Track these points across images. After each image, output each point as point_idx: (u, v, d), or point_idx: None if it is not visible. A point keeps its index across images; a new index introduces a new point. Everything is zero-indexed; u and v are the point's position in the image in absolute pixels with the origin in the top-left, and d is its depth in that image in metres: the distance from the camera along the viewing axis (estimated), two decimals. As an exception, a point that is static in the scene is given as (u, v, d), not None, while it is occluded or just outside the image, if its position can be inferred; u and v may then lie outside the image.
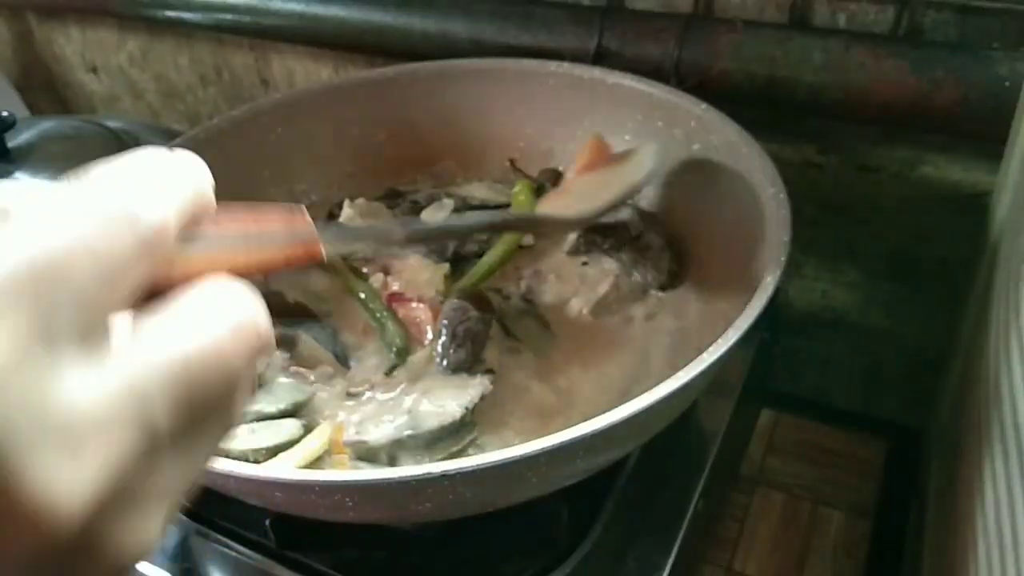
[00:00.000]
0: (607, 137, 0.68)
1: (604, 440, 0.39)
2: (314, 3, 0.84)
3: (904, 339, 0.78)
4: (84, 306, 0.16)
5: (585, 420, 0.38)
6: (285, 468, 0.48)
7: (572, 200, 0.60)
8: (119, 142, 0.83)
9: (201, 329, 0.18)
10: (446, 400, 0.51)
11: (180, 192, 0.20)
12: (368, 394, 0.55)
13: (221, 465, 0.41)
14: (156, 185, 0.19)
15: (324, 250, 0.28)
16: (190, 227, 0.21)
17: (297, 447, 0.50)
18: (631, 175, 0.58)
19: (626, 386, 0.54)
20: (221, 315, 0.19)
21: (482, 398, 0.52)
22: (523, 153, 0.72)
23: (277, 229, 0.27)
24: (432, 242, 0.62)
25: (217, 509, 0.55)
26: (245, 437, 0.51)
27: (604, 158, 0.65)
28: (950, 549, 0.53)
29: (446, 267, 0.62)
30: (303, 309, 0.60)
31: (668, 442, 0.48)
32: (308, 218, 0.28)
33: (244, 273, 0.23)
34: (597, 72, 0.67)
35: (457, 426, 0.50)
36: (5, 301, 0.15)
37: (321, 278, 0.65)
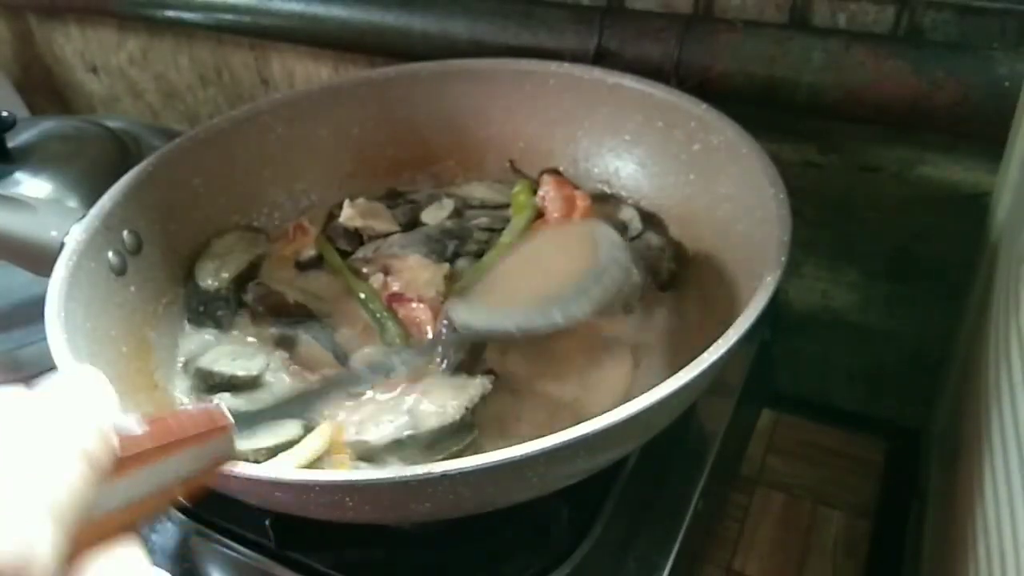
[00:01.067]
0: (607, 138, 0.68)
1: (604, 440, 0.39)
2: (314, 3, 0.84)
3: (904, 339, 0.78)
4: None
5: (585, 420, 0.38)
6: (285, 468, 0.48)
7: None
8: (119, 142, 0.83)
9: None
10: (446, 400, 0.51)
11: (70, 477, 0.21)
12: (368, 394, 0.55)
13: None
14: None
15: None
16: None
17: (297, 447, 0.50)
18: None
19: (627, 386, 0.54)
20: None
21: (482, 398, 0.52)
22: (523, 153, 0.72)
23: (188, 455, 0.27)
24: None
25: (217, 509, 0.55)
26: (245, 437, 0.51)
27: (572, 206, 0.65)
28: (950, 549, 0.53)
29: (446, 267, 0.62)
30: (303, 309, 0.60)
31: (668, 442, 0.48)
32: (224, 418, 0.28)
33: (158, 509, 0.23)
34: (597, 73, 0.67)
35: (457, 426, 0.50)
36: None
37: (321, 278, 0.65)
